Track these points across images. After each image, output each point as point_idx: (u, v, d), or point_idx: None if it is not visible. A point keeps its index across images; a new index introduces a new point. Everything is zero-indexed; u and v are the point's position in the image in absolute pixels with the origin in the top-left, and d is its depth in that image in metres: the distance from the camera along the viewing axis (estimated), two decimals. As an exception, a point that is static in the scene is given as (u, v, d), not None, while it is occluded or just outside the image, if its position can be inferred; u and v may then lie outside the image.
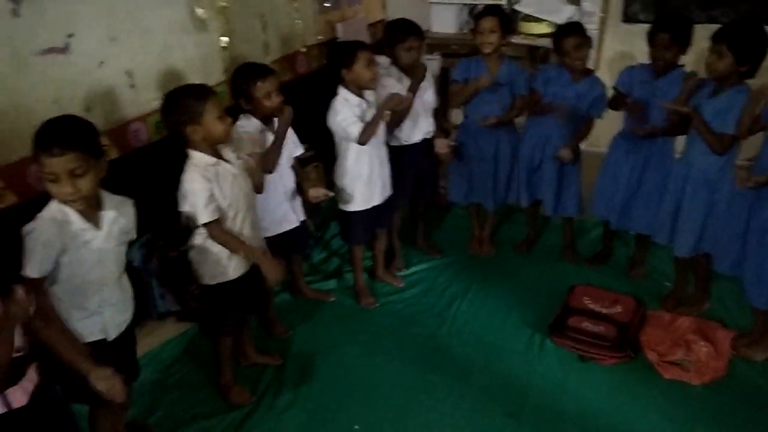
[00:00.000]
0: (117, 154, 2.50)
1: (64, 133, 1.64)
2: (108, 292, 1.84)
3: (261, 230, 2.41)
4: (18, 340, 1.51)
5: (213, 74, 2.99)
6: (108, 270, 1.82)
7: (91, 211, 1.75)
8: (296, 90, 3.64)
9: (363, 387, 2.47)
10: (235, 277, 2.21)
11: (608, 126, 3.07)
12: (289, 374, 2.55)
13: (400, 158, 2.97)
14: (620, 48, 4.24)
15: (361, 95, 2.67)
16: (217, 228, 2.09)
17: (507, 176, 3.25)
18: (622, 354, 2.58)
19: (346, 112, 2.61)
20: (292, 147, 2.62)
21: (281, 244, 2.58)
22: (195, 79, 2.86)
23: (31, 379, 1.59)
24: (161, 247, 2.70)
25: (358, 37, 4.04)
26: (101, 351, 1.82)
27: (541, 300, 2.98)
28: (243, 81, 2.43)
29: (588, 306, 2.83)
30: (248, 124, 2.46)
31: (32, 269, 1.67)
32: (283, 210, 2.57)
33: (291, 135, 2.60)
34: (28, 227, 1.70)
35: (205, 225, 2.08)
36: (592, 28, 3.83)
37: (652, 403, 2.37)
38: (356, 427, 2.27)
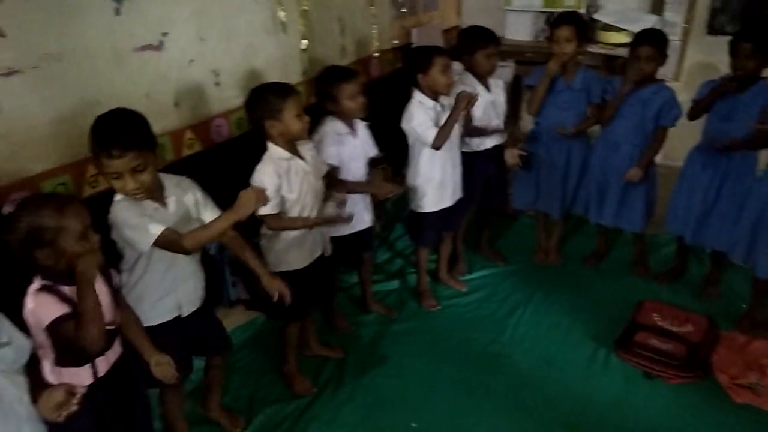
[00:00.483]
0: (200, 147, 2.64)
1: (121, 134, 1.71)
2: (180, 269, 1.93)
3: (335, 231, 2.50)
4: (109, 314, 1.62)
5: (292, 75, 3.10)
6: None
7: (156, 193, 1.85)
8: (369, 93, 3.72)
9: (421, 386, 2.50)
10: (300, 267, 2.29)
11: (685, 139, 2.98)
12: (350, 368, 2.60)
13: (471, 164, 2.98)
14: (703, 60, 4.09)
15: (435, 98, 2.70)
16: (275, 221, 2.19)
17: (575, 186, 3.20)
18: (691, 374, 2.50)
19: (422, 117, 2.65)
20: (368, 148, 2.68)
21: (352, 243, 2.64)
22: (275, 79, 2.98)
23: (116, 351, 1.71)
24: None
25: (433, 43, 4.09)
26: (176, 328, 1.94)
27: (608, 314, 2.92)
28: (328, 83, 2.50)
29: (657, 323, 2.76)
30: (332, 126, 2.53)
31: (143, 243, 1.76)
32: (357, 210, 2.62)
33: (367, 137, 2.66)
34: (112, 217, 1.81)
35: (263, 216, 2.18)
36: (674, 39, 3.74)
37: (721, 427, 2.28)
38: (413, 424, 2.30)
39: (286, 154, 2.20)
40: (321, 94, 2.56)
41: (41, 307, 1.48)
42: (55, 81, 2.02)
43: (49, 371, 1.55)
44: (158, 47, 2.36)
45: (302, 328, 2.64)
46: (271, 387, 2.50)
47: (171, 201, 1.87)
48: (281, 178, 2.16)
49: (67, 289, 1.52)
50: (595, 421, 2.31)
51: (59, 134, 2.07)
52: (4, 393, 1.25)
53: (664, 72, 4.26)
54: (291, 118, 2.14)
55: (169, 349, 1.90)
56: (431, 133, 2.63)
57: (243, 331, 2.81)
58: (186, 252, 1.82)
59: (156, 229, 1.75)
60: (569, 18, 3.00)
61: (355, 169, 2.60)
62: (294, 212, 2.23)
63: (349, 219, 2.32)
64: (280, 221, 2.20)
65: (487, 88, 3.02)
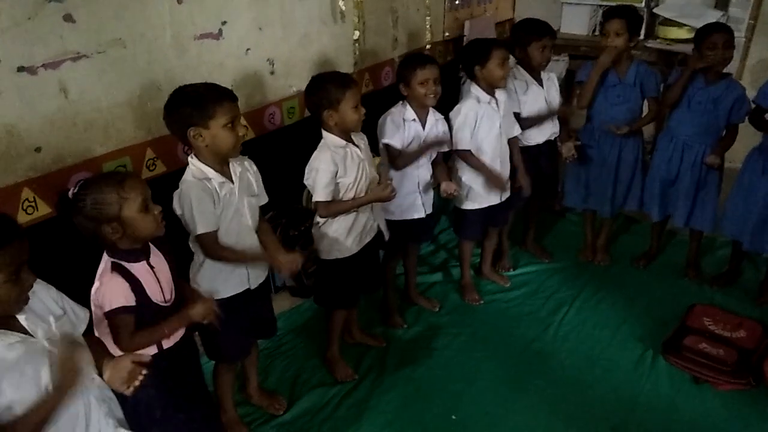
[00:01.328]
0: (253, 134, 2.70)
1: (224, 88, 1.88)
2: (248, 242, 1.99)
3: (387, 212, 2.52)
4: (169, 292, 1.68)
5: (344, 66, 3.13)
6: (245, 221, 1.96)
7: (223, 167, 1.91)
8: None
9: (462, 379, 2.50)
10: (351, 254, 2.32)
11: (744, 140, 2.88)
12: (392, 358, 2.62)
13: (522, 159, 2.95)
14: (768, 58, 3.94)
15: (492, 93, 2.69)
16: (327, 208, 2.22)
17: (627, 184, 3.14)
18: (742, 381, 2.43)
19: (462, 118, 2.66)
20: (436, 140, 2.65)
21: (402, 231, 2.65)
22: (327, 69, 3.02)
23: None
24: (284, 224, 2.87)
25: (485, 35, 4.06)
26: (242, 302, 2.00)
27: (656, 316, 2.86)
28: (404, 67, 2.53)
29: (708, 327, 2.68)
30: (399, 112, 2.53)
31: (202, 225, 1.83)
32: (412, 199, 2.62)
33: (446, 133, 2.64)
34: (179, 192, 1.87)
35: (317, 202, 2.21)
36: (738, 36, 3.59)
37: (773, 437, 2.21)
38: (453, 417, 2.31)
39: (341, 141, 2.23)
40: (399, 78, 2.56)
41: (108, 289, 1.55)
42: (119, 66, 2.10)
43: (113, 343, 1.62)
44: (217, 36, 2.42)
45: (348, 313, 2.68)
46: (314, 372, 2.54)
47: (235, 176, 1.93)
48: (337, 165, 2.19)
49: (135, 267, 1.60)
50: (640, 424, 2.27)
51: (121, 118, 2.16)
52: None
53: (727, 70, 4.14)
54: (348, 110, 2.16)
55: (238, 325, 1.99)
56: (464, 137, 2.66)
57: (288, 316, 2.86)
58: (209, 257, 1.90)
59: (203, 229, 1.84)
60: (620, 11, 2.92)
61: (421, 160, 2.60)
62: (348, 197, 2.25)
63: (392, 195, 2.28)
64: (331, 207, 2.23)
65: (540, 82, 2.98)
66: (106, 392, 1.46)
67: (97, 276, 1.59)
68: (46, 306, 1.36)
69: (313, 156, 2.23)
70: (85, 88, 2.01)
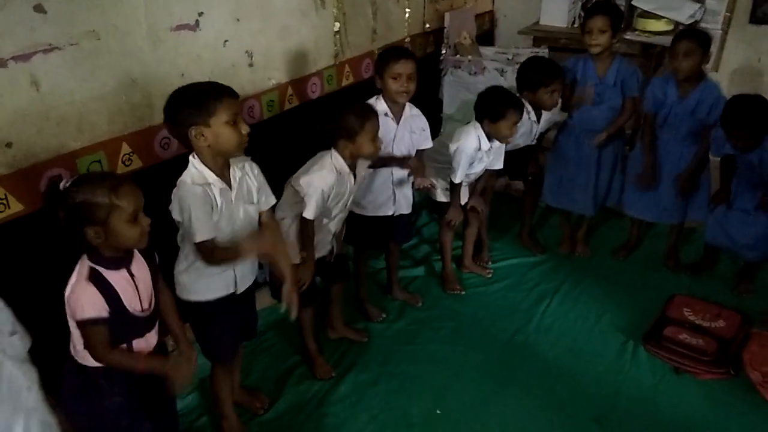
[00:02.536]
0: (232, 128, 2.64)
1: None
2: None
3: (359, 207, 2.54)
4: (147, 300, 1.66)
5: (323, 58, 3.09)
6: (237, 228, 1.90)
7: (224, 170, 1.86)
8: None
9: (446, 373, 2.50)
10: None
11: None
12: (375, 353, 2.61)
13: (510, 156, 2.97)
14: (744, 50, 3.99)
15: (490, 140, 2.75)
16: (310, 227, 2.21)
17: (608, 181, 3.16)
18: (722, 370, 2.46)
19: (466, 153, 2.70)
20: (422, 140, 2.66)
21: (377, 228, 2.64)
22: (307, 61, 2.98)
23: (154, 335, 1.72)
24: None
25: (466, 28, 4.05)
26: (229, 305, 1.97)
27: (637, 307, 2.89)
28: (380, 59, 2.53)
29: (688, 317, 2.71)
30: (372, 105, 2.50)
31: (201, 234, 1.78)
32: (386, 197, 2.61)
33: (423, 129, 2.65)
34: (177, 195, 1.82)
35: (305, 218, 2.18)
36: (715, 27, 3.64)
37: (752, 425, 2.25)
38: (438, 411, 2.31)
39: (346, 168, 2.25)
40: (376, 70, 2.56)
41: (81, 298, 1.50)
42: (93, 59, 2.04)
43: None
44: (194, 27, 2.36)
45: (328, 311, 2.66)
46: (296, 369, 2.51)
47: (234, 181, 1.89)
48: (332, 189, 2.20)
49: (113, 275, 1.55)
50: (623, 415, 2.29)
51: (95, 112, 2.09)
52: (13, 382, 1.19)
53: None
54: (366, 142, 2.21)
55: (227, 326, 1.97)
56: (459, 175, 2.73)
57: (269, 312, 2.81)
58: (208, 263, 1.85)
59: (201, 237, 1.79)
60: (603, 7, 2.92)
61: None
62: (329, 214, 2.30)
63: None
64: (310, 233, 2.23)
65: (538, 118, 3.00)
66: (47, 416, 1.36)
67: (72, 279, 1.54)
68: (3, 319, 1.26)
69: (314, 169, 2.21)
70: (57, 82, 1.94)
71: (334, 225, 2.36)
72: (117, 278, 1.56)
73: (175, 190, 1.83)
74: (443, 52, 4.08)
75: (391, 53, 2.52)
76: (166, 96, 2.05)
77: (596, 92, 2.99)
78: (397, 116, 2.55)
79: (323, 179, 2.18)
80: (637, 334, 2.68)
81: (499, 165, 2.90)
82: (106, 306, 1.52)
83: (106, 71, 2.09)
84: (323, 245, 2.37)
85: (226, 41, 2.51)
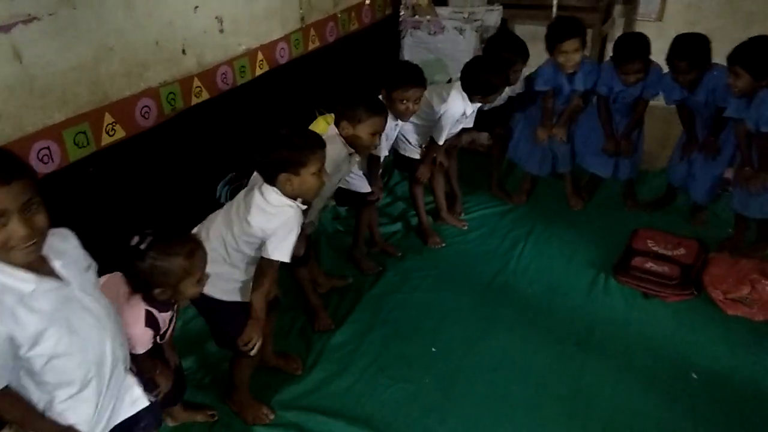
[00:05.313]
0: (207, 96, 2.67)
1: None
2: None
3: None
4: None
5: (290, 22, 3.13)
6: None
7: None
8: (359, 41, 3.77)
9: (435, 316, 2.63)
10: None
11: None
12: (366, 305, 2.71)
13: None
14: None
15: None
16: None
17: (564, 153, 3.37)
18: (686, 292, 2.68)
19: (453, 118, 2.83)
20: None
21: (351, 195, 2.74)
22: (273, 25, 3.00)
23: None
24: (245, 185, 2.87)
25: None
26: None
27: (604, 243, 3.07)
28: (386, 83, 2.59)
29: (651, 248, 2.92)
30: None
31: (285, 255, 1.87)
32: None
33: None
34: (276, 212, 1.86)
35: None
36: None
37: (717, 337, 2.47)
38: (433, 349, 2.44)
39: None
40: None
41: (138, 336, 1.62)
42: (70, 28, 2.04)
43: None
44: (165, -7, 2.37)
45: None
46: (298, 322, 2.61)
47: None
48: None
49: (162, 316, 1.68)
50: (601, 338, 2.48)
51: (77, 82, 2.10)
52: (95, 312, 1.36)
53: (648, 11, 4.39)
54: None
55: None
56: (443, 137, 2.87)
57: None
58: (263, 281, 1.94)
59: (285, 258, 1.89)
60: (575, 30, 3.01)
61: None
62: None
63: None
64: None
65: None
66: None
67: (124, 311, 1.60)
68: (77, 254, 1.37)
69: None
70: (38, 52, 1.94)
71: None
72: (164, 318, 1.69)
73: (272, 208, 1.86)
74: (401, 13, 4.14)
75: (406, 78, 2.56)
76: (141, 65, 2.07)
77: (565, 95, 3.20)
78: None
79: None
80: (606, 267, 2.87)
81: (470, 124, 3.02)
82: (153, 342, 1.67)
83: (84, 41, 2.10)
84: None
85: (196, 7, 2.53)
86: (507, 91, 3.16)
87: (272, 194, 1.88)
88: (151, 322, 1.63)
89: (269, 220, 1.85)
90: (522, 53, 3.04)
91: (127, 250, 1.54)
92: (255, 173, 2.07)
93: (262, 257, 1.90)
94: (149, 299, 1.62)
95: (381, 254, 3.07)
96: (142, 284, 1.59)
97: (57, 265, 1.29)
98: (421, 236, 3.20)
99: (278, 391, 2.25)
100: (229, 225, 1.91)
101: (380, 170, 2.84)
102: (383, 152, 2.73)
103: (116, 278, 1.68)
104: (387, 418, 2.14)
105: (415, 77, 2.57)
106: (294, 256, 1.94)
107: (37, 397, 1.33)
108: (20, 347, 1.23)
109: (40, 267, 1.26)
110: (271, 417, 2.14)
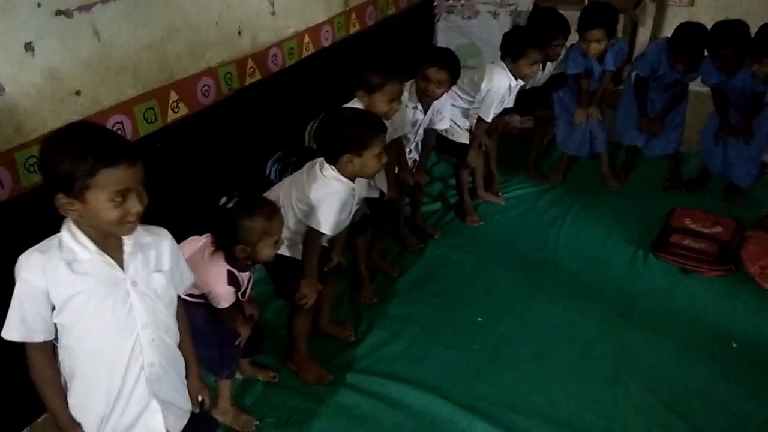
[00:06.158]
0: (259, 76, 2.77)
1: None
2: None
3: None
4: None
5: (333, 6, 3.21)
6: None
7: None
8: (393, 26, 3.84)
9: (480, 289, 2.73)
10: None
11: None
12: (413, 279, 2.81)
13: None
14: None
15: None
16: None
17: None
18: (724, 267, 2.75)
19: (499, 93, 2.92)
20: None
21: None
22: (318, 8, 3.09)
23: None
24: (293, 163, 2.98)
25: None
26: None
27: (641, 222, 3.15)
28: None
29: (689, 226, 2.99)
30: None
31: (330, 228, 2.00)
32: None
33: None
34: (323, 183, 2.00)
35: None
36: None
37: (755, 309, 2.54)
38: (479, 318, 2.54)
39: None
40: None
41: (221, 293, 1.76)
42: (142, 9, 2.14)
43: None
44: (225, -24, 2.47)
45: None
46: (342, 298, 2.70)
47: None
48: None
49: (242, 275, 1.80)
50: (643, 310, 2.57)
51: (147, 60, 2.21)
52: (135, 308, 1.36)
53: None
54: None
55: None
56: (491, 114, 2.94)
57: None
58: (312, 246, 2.08)
59: (330, 231, 2.02)
60: (600, 19, 3.06)
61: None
62: None
63: None
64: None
65: (543, 67, 3.20)
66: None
67: (209, 270, 1.74)
68: (159, 254, 1.40)
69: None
70: (114, 31, 2.05)
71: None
72: (244, 277, 1.82)
73: (324, 180, 2.00)
74: (436, -2, 4.21)
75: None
76: (203, 45, 2.16)
77: (597, 75, 3.26)
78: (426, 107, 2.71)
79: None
80: (645, 244, 2.95)
81: (510, 104, 3.09)
82: (235, 297, 1.79)
83: (155, 21, 2.20)
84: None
85: (252, -11, 2.62)
86: (548, 70, 3.23)
87: (329, 170, 2.02)
88: (232, 280, 1.75)
89: (318, 190, 2.00)
90: (563, 28, 3.09)
91: (215, 209, 1.65)
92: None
93: (308, 226, 2.03)
94: (230, 259, 1.73)
95: (421, 233, 3.16)
96: (225, 241, 1.70)
97: (126, 250, 1.33)
98: (461, 214, 3.29)
99: (334, 356, 2.37)
100: (290, 193, 2.07)
101: (423, 162, 2.94)
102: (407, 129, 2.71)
103: (196, 242, 1.80)
104: (438, 381, 2.24)
105: (445, 60, 2.58)
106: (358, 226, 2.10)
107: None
108: (53, 308, 1.28)
109: (111, 246, 1.31)
110: (329, 377, 2.25)
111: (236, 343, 1.77)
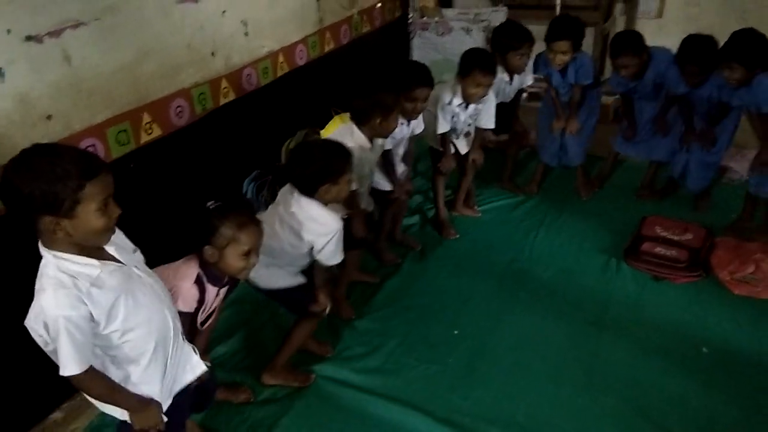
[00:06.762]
0: (234, 96, 2.80)
1: None
2: None
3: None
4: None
5: (308, 25, 3.26)
6: None
7: None
8: (369, 43, 3.90)
9: (456, 301, 2.76)
10: None
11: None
12: (390, 292, 2.84)
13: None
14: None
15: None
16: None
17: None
18: (695, 273, 2.81)
19: (440, 105, 2.95)
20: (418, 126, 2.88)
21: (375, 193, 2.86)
22: (292, 28, 3.14)
23: None
24: (270, 181, 3.00)
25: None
26: None
27: (613, 230, 3.21)
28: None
29: (660, 234, 3.05)
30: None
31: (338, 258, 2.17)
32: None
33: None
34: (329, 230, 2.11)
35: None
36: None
37: (725, 314, 2.60)
38: (455, 331, 2.56)
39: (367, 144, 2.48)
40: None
41: (184, 295, 1.76)
42: (113, 33, 2.17)
43: None
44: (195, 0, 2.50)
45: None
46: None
47: None
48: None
49: (210, 289, 1.81)
50: (614, 317, 2.61)
51: (119, 83, 2.23)
52: (151, 287, 1.50)
53: (648, 9, 4.51)
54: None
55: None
56: (440, 125, 3.00)
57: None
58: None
59: (336, 261, 2.20)
60: (566, 32, 3.14)
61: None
62: None
63: None
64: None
65: (512, 80, 3.27)
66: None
67: (179, 267, 1.77)
68: (120, 240, 1.50)
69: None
70: (85, 55, 2.07)
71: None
72: (211, 292, 1.82)
73: (320, 225, 2.10)
74: (410, 15, 4.29)
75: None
76: (175, 66, 2.18)
77: (564, 91, 3.38)
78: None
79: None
80: (617, 253, 3.00)
81: (490, 124, 3.14)
82: (196, 305, 1.79)
83: (126, 44, 2.23)
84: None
85: (224, 12, 2.67)
86: (516, 83, 3.28)
87: (314, 208, 2.12)
88: (199, 283, 1.75)
89: (319, 235, 2.11)
90: (524, 39, 3.12)
91: (200, 210, 1.72)
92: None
93: (317, 260, 2.18)
94: (203, 264, 1.76)
95: (400, 246, 3.19)
96: (197, 240, 1.73)
97: (111, 250, 1.43)
98: (437, 228, 3.32)
99: (312, 370, 2.38)
100: (279, 236, 2.13)
101: (409, 169, 3.01)
102: (387, 146, 2.78)
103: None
104: (415, 395, 2.26)
105: (424, 78, 2.68)
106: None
107: (113, 375, 1.48)
108: (98, 325, 1.36)
109: (100, 254, 1.40)
110: (313, 377, 2.33)
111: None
